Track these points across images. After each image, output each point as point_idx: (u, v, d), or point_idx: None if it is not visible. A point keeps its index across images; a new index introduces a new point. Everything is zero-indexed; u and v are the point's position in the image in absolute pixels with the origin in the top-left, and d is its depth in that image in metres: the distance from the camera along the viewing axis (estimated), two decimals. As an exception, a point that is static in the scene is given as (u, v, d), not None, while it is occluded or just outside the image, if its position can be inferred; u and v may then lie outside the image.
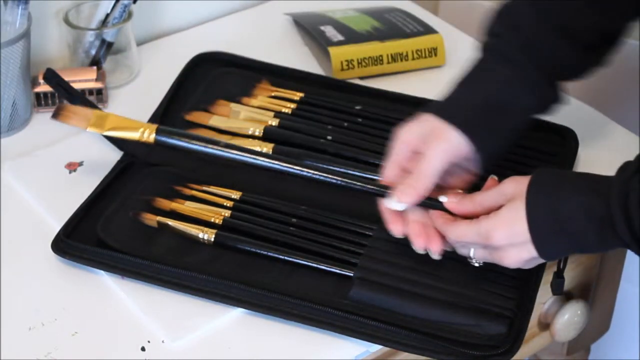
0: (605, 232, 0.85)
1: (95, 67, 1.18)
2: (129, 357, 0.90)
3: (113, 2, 1.18)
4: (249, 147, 1.08)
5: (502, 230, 0.88)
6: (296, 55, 1.27)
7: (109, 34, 1.19)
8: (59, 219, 1.00)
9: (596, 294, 1.17)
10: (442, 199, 0.93)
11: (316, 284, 0.95)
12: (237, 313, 0.93)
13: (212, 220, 1.00)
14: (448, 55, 1.26)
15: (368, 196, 1.00)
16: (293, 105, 1.14)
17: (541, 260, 0.90)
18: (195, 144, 0.98)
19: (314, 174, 0.96)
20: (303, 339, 0.91)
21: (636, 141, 1.14)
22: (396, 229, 0.95)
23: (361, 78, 1.23)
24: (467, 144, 0.93)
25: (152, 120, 1.12)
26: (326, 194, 1.03)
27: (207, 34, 1.31)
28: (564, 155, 1.09)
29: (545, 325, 1.13)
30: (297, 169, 0.96)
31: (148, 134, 0.98)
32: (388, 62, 1.24)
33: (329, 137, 1.09)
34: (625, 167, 0.87)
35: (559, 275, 0.95)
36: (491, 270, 0.95)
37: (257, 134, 1.10)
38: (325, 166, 1.00)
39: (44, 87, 1.15)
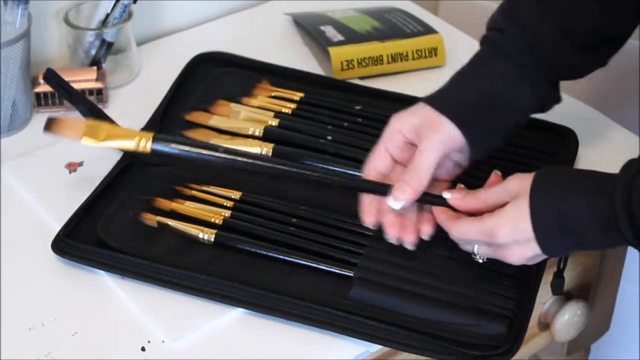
0: (609, 230, 0.85)
1: (95, 67, 1.18)
2: (129, 357, 0.90)
3: (113, 2, 1.18)
4: (248, 147, 1.08)
5: (506, 228, 0.88)
6: (296, 55, 1.27)
7: (109, 34, 1.19)
8: (59, 219, 1.00)
9: (596, 294, 1.17)
10: (446, 195, 0.93)
11: (316, 284, 0.95)
12: (237, 313, 0.93)
13: (212, 220, 1.00)
14: (448, 55, 1.26)
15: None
16: (293, 105, 1.14)
17: (544, 257, 0.90)
18: (194, 152, 0.95)
19: (314, 175, 0.95)
20: (303, 339, 0.91)
21: (636, 141, 1.14)
22: (369, 220, 0.95)
23: (361, 78, 1.23)
24: (460, 137, 0.94)
25: (152, 120, 1.12)
26: (326, 194, 1.03)
27: (207, 34, 1.31)
28: (564, 155, 1.09)
29: (545, 325, 1.13)
30: (297, 172, 0.96)
31: (144, 142, 0.96)
32: (388, 62, 1.24)
33: (329, 137, 1.09)
34: (628, 165, 0.87)
35: (559, 275, 0.95)
36: (491, 270, 0.95)
37: (257, 134, 1.10)
38: (324, 166, 1.00)
39: (44, 87, 1.15)
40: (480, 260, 0.93)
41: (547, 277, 0.96)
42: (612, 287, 1.21)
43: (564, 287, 0.96)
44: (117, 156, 1.08)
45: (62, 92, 1.11)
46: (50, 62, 1.21)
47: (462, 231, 0.91)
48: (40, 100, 1.16)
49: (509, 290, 0.94)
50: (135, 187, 1.03)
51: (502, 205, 0.89)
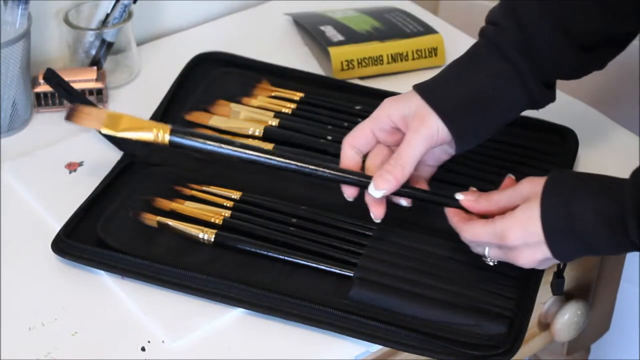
0: (617, 235, 0.85)
1: (95, 67, 1.18)
2: (129, 357, 0.90)
3: (113, 2, 1.18)
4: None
5: (517, 231, 0.88)
6: (296, 55, 1.27)
7: (109, 34, 1.19)
8: (59, 219, 1.00)
9: (596, 294, 1.17)
10: (459, 196, 0.93)
11: (316, 284, 0.95)
12: (237, 313, 0.93)
13: (212, 220, 1.00)
14: (448, 55, 1.26)
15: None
16: (293, 105, 1.14)
17: (555, 260, 0.90)
18: (210, 145, 0.96)
19: (329, 173, 0.95)
20: (303, 339, 0.91)
21: (636, 141, 1.14)
22: (349, 192, 0.96)
23: (361, 78, 1.23)
24: (447, 133, 0.94)
25: (152, 120, 1.12)
26: (326, 194, 1.03)
27: (207, 34, 1.31)
28: (564, 155, 1.09)
29: (545, 325, 1.13)
30: (311, 169, 0.96)
31: (162, 135, 0.96)
32: (388, 62, 1.24)
33: (329, 137, 1.09)
34: (638, 170, 0.87)
35: (559, 276, 0.95)
36: (491, 270, 0.95)
37: (257, 134, 1.10)
38: (335, 166, 0.99)
39: (44, 87, 1.15)
40: (491, 263, 0.94)
41: (547, 277, 0.96)
42: (612, 287, 1.21)
43: (564, 287, 0.96)
44: (117, 156, 1.08)
45: (62, 92, 1.11)
46: (50, 62, 1.21)
47: (474, 233, 0.91)
48: (40, 100, 1.16)
49: (509, 290, 0.94)
50: (135, 187, 1.03)
51: (514, 208, 0.89)
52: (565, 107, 1.01)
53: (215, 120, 1.12)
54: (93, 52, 1.20)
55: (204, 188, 1.04)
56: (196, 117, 1.12)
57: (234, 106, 1.14)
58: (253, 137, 1.10)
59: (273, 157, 0.96)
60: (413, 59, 1.25)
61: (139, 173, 1.06)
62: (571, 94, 1.16)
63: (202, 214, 1.00)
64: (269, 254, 0.97)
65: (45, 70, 1.11)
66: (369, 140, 0.97)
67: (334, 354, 0.91)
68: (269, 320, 0.92)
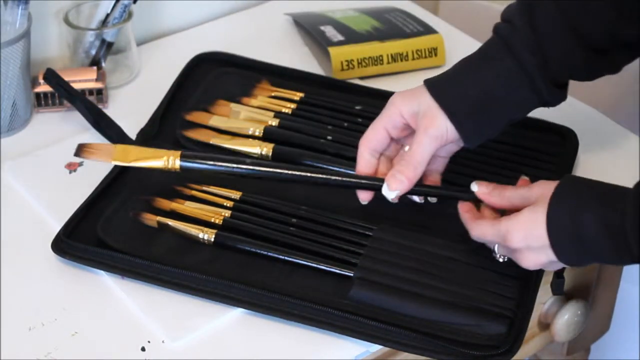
0: (619, 245, 0.85)
1: (95, 67, 1.18)
2: (129, 357, 0.89)
3: (113, 2, 1.18)
4: (248, 147, 1.08)
5: (519, 232, 0.88)
6: (296, 55, 1.27)
7: (109, 34, 1.19)
8: (59, 219, 1.00)
9: (596, 294, 1.17)
10: (473, 187, 0.94)
11: (316, 284, 0.95)
12: (237, 313, 0.93)
13: (212, 220, 1.00)
14: (448, 55, 1.26)
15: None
16: (293, 105, 1.14)
17: (561, 265, 0.90)
18: (222, 166, 0.98)
19: (342, 181, 0.98)
20: (303, 339, 0.91)
21: (636, 141, 1.14)
22: (364, 196, 0.97)
23: (361, 78, 1.23)
24: (455, 133, 0.95)
25: (152, 120, 1.12)
26: (326, 194, 1.03)
27: (207, 34, 1.31)
28: (564, 155, 1.09)
29: (545, 325, 1.13)
30: (324, 178, 0.98)
31: (172, 161, 0.98)
32: (388, 62, 1.24)
33: (329, 137, 1.09)
34: None
35: (559, 276, 0.95)
36: (491, 270, 0.95)
37: (257, 134, 1.10)
38: (349, 172, 1.00)
39: (44, 87, 1.15)
40: (501, 260, 0.94)
41: (547, 277, 0.96)
42: (612, 287, 1.21)
43: (564, 287, 0.96)
44: (117, 156, 1.08)
45: (62, 92, 1.11)
46: (50, 62, 1.21)
47: (480, 231, 0.92)
48: (40, 100, 1.16)
49: (509, 290, 0.94)
50: (135, 187, 1.03)
51: (524, 207, 0.90)
52: (565, 107, 1.01)
53: (215, 120, 1.12)
54: (93, 52, 1.20)
55: (204, 188, 1.04)
56: (196, 117, 1.12)
57: (234, 106, 1.14)
58: (253, 137, 1.10)
59: (285, 171, 0.97)
60: (413, 59, 1.25)
61: (139, 173, 1.05)
62: (571, 94, 1.15)
63: (202, 214, 1.00)
64: (269, 254, 0.97)
65: (45, 70, 1.11)
66: (383, 139, 0.97)
67: (334, 354, 0.91)
68: (269, 320, 0.92)
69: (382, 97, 1.16)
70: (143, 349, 0.90)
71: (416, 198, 0.98)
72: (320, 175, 0.98)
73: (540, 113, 1.02)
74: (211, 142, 1.09)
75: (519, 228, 0.88)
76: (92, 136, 1.11)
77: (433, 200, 0.99)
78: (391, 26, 1.27)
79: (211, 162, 0.98)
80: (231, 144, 1.09)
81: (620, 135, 1.15)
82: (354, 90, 1.19)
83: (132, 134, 1.10)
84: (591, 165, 1.10)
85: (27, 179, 1.07)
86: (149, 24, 1.30)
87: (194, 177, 1.05)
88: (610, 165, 1.10)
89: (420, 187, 0.96)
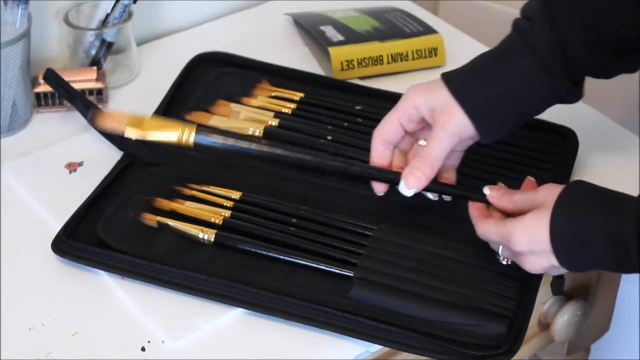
0: (621, 255, 0.85)
1: (95, 67, 1.18)
2: (129, 357, 0.90)
3: (113, 2, 1.18)
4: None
5: (522, 236, 0.88)
6: (296, 55, 1.27)
7: (109, 34, 1.19)
8: (59, 219, 1.00)
9: (596, 294, 1.17)
10: (485, 190, 0.94)
11: (316, 284, 0.95)
12: (237, 313, 0.93)
13: (212, 220, 1.00)
14: (448, 55, 1.26)
15: (368, 195, 1.01)
16: (293, 106, 1.14)
17: (564, 270, 0.90)
18: (236, 145, 0.97)
19: (361, 171, 0.97)
20: (303, 339, 0.91)
21: (636, 141, 1.14)
22: (379, 188, 0.98)
23: (361, 78, 1.23)
24: (472, 129, 0.94)
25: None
26: (326, 194, 1.03)
27: (207, 34, 1.31)
28: (564, 155, 1.09)
29: (545, 325, 1.13)
30: (339, 165, 0.97)
31: (187, 134, 0.97)
32: (388, 62, 1.24)
33: (329, 137, 1.09)
34: None
35: (559, 276, 0.95)
36: (491, 270, 0.95)
37: (257, 134, 1.10)
38: (363, 162, 1.00)
39: (44, 87, 1.15)
40: (504, 262, 0.94)
41: (547, 277, 0.96)
42: (612, 287, 1.21)
43: (564, 287, 0.96)
44: (117, 156, 1.08)
45: (62, 92, 1.11)
46: (50, 62, 1.21)
47: (485, 231, 0.92)
48: (40, 100, 1.16)
49: (509, 290, 0.94)
50: (135, 187, 1.03)
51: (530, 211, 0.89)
52: (565, 107, 1.01)
53: (215, 120, 1.12)
54: (93, 52, 1.20)
55: (204, 188, 1.04)
56: (196, 117, 1.12)
57: (234, 106, 1.14)
58: (253, 137, 1.10)
59: (303, 156, 0.96)
60: (413, 59, 1.25)
61: (139, 173, 1.06)
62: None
63: (202, 214, 1.00)
64: (269, 254, 0.97)
65: (45, 70, 1.11)
66: (397, 132, 0.97)
67: (334, 354, 0.91)
68: (269, 320, 0.92)
69: (382, 97, 1.16)
70: (143, 349, 0.90)
71: (430, 195, 0.98)
72: (339, 163, 0.97)
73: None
74: None
75: (523, 232, 0.88)
76: (92, 136, 1.11)
77: (447, 198, 0.99)
78: (391, 26, 1.27)
79: (226, 140, 0.96)
80: (231, 144, 1.09)
81: (620, 135, 1.15)
82: (354, 90, 1.19)
83: (132, 134, 1.10)
84: (591, 165, 1.10)
85: (27, 179, 1.07)
86: (149, 24, 1.30)
87: (194, 177, 1.05)
88: (610, 165, 1.10)
89: (435, 184, 0.96)
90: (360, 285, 0.94)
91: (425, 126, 0.97)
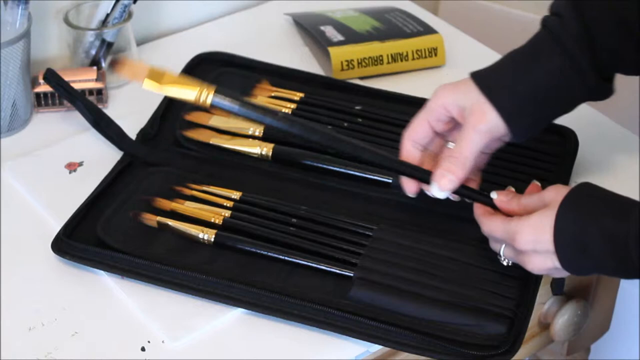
0: (623, 261, 0.85)
1: (95, 67, 1.18)
2: (129, 357, 0.90)
3: (113, 2, 1.18)
4: (248, 147, 1.08)
5: (527, 235, 0.88)
6: (296, 55, 1.27)
7: (109, 34, 1.19)
8: (59, 219, 1.00)
9: (596, 294, 1.17)
10: (493, 195, 0.93)
11: (316, 284, 0.95)
12: (237, 313, 0.93)
13: (212, 220, 1.00)
14: (448, 55, 1.26)
15: (368, 195, 1.01)
16: (293, 106, 1.14)
17: (566, 273, 0.89)
18: (252, 114, 0.93)
19: (366, 153, 0.94)
20: (303, 339, 0.91)
21: (636, 141, 1.14)
22: (411, 188, 0.96)
23: (361, 78, 1.23)
24: (504, 128, 0.93)
25: (152, 120, 1.12)
26: (326, 194, 1.03)
27: (207, 34, 1.31)
28: (564, 155, 1.09)
29: (545, 325, 1.13)
30: (349, 144, 0.94)
31: (206, 95, 0.93)
32: (388, 62, 1.24)
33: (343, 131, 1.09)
34: None
35: (559, 276, 0.95)
36: (491, 270, 0.95)
37: (257, 134, 1.10)
38: (372, 148, 0.98)
39: (44, 87, 1.15)
40: (505, 263, 0.93)
41: (547, 277, 0.96)
42: (612, 287, 1.21)
43: (564, 287, 0.96)
44: (117, 156, 1.08)
45: (62, 92, 1.11)
46: (50, 62, 1.21)
47: (490, 227, 0.92)
48: (40, 100, 1.16)
49: (509, 290, 0.94)
50: (135, 187, 1.03)
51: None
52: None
53: (215, 120, 1.12)
54: (93, 52, 1.20)
55: (204, 188, 1.04)
56: (196, 117, 1.12)
57: (241, 96, 1.13)
58: (253, 137, 1.10)
59: (311, 129, 0.94)
60: (413, 59, 1.25)
61: (139, 173, 1.06)
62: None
63: (202, 214, 1.00)
64: (269, 254, 0.97)
65: (45, 70, 1.11)
66: (427, 133, 0.96)
67: (334, 354, 0.91)
68: (269, 320, 0.92)
69: (382, 97, 1.17)
70: (143, 349, 0.90)
71: (452, 196, 0.95)
72: (369, 155, 0.94)
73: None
74: (211, 142, 1.09)
75: (528, 231, 0.88)
76: (92, 136, 1.11)
77: (468, 201, 0.97)
78: (391, 26, 1.27)
79: (243, 107, 0.93)
80: (231, 144, 1.09)
81: (620, 135, 1.15)
82: (354, 90, 1.19)
83: (132, 134, 1.10)
84: (591, 165, 1.10)
85: (27, 179, 1.07)
86: (149, 24, 1.30)
87: (194, 177, 1.05)
88: (610, 165, 1.10)
89: (462, 188, 0.94)
90: (360, 285, 0.94)
91: (454, 127, 0.96)
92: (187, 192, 1.03)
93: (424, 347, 0.90)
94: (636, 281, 1.43)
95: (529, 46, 0.95)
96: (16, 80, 1.12)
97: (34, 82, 1.16)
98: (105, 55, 1.20)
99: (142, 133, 1.11)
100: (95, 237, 0.98)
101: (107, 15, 1.19)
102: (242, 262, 0.96)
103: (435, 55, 1.25)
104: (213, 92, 0.93)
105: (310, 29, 1.27)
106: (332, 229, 0.99)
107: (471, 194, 0.95)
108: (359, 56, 1.23)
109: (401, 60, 1.24)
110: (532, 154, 1.08)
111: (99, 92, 1.16)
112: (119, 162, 1.07)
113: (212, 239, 0.98)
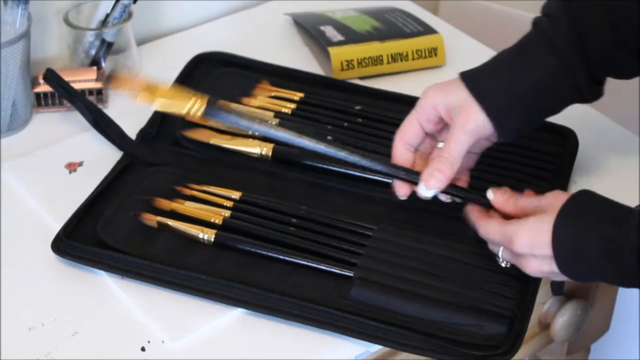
0: (620, 269, 0.84)
1: (95, 67, 1.18)
2: (129, 357, 0.89)
3: (113, 2, 1.18)
4: (248, 147, 1.08)
5: (524, 238, 0.88)
6: (296, 55, 1.27)
7: (109, 34, 1.19)
8: (59, 219, 1.00)
9: (596, 294, 1.17)
10: (489, 195, 0.93)
11: (316, 284, 0.95)
12: (237, 313, 0.93)
13: (212, 220, 1.00)
14: (448, 55, 1.26)
15: (368, 195, 1.01)
16: (293, 106, 1.14)
17: (564, 277, 0.89)
18: (244, 125, 0.95)
19: (380, 167, 0.95)
20: (303, 339, 0.91)
21: (636, 141, 1.14)
22: (402, 191, 0.95)
23: (361, 78, 1.23)
24: (491, 128, 0.93)
25: (152, 119, 1.12)
26: (326, 194, 1.03)
27: (207, 34, 1.31)
28: (564, 155, 1.09)
29: (545, 325, 1.13)
30: (339, 153, 0.95)
31: (198, 107, 0.95)
32: (388, 62, 1.24)
33: (329, 137, 1.09)
34: None
35: (559, 276, 0.95)
36: (491, 270, 0.95)
37: (257, 134, 1.10)
38: (366, 152, 0.98)
39: (44, 87, 1.15)
40: (503, 265, 0.93)
41: (547, 278, 0.96)
42: (612, 287, 1.21)
43: (564, 287, 0.96)
44: (117, 156, 1.08)
45: (62, 92, 1.11)
46: (50, 62, 1.21)
47: (487, 230, 0.91)
48: (40, 100, 1.16)
49: (509, 290, 0.94)
50: (135, 187, 1.03)
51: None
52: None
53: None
54: (93, 52, 1.20)
55: (204, 188, 1.04)
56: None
57: (234, 106, 1.14)
58: (253, 137, 1.10)
59: (297, 137, 0.94)
60: (413, 59, 1.25)
61: (139, 173, 1.06)
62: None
63: (202, 214, 1.00)
64: (269, 254, 0.97)
65: (45, 70, 1.11)
66: (418, 133, 0.96)
67: (334, 354, 0.91)
68: (269, 320, 0.92)
69: (382, 97, 1.16)
70: (143, 349, 0.90)
71: (442, 197, 0.95)
72: (358, 158, 0.95)
73: (540, 113, 1.02)
74: (211, 142, 1.09)
75: (525, 234, 0.88)
76: (92, 136, 1.11)
77: (458, 200, 0.96)
78: (391, 26, 1.27)
79: (234, 119, 0.95)
80: (231, 143, 1.09)
81: (620, 135, 1.15)
82: (354, 90, 1.19)
83: (132, 134, 1.10)
84: (591, 165, 1.10)
85: (27, 179, 1.07)
86: (149, 24, 1.30)
87: (194, 177, 1.05)
88: (610, 165, 1.10)
89: (450, 187, 0.94)
90: (360, 285, 0.94)
91: (444, 127, 0.96)
92: (187, 192, 1.03)
93: (424, 347, 0.90)
94: (636, 281, 1.43)
95: (519, 47, 0.95)
96: (16, 80, 1.12)
97: (34, 82, 1.16)
98: (105, 55, 1.20)
99: (142, 133, 1.11)
100: (95, 237, 0.98)
101: (107, 15, 1.19)
102: (242, 262, 0.96)
103: (435, 55, 1.25)
104: (205, 103, 0.95)
105: (310, 29, 1.27)
106: (332, 229, 0.99)
107: (461, 193, 0.95)
108: (359, 56, 1.23)
109: (401, 60, 1.24)
110: (532, 154, 1.08)
111: (99, 92, 1.16)
112: (119, 162, 1.07)
113: (212, 239, 0.98)
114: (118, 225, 0.99)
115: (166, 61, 1.25)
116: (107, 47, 1.20)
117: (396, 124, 0.97)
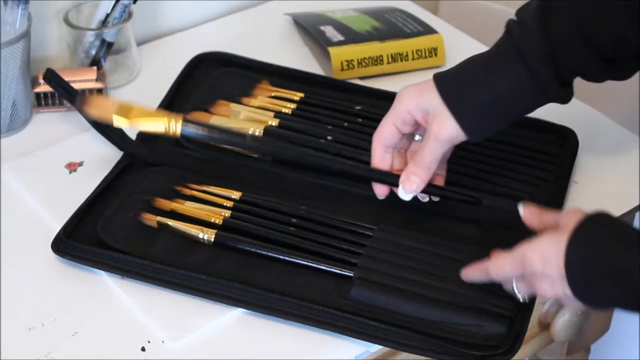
0: (629, 291, 0.83)
1: (95, 67, 1.18)
2: (129, 357, 0.90)
3: (113, 2, 1.18)
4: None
5: (535, 252, 0.86)
6: (296, 55, 1.27)
7: (109, 34, 1.19)
8: (59, 219, 1.00)
9: (596, 294, 1.17)
10: (520, 209, 0.93)
11: (316, 284, 0.95)
12: (237, 313, 0.93)
13: (212, 221, 1.00)
14: (448, 55, 1.26)
15: (368, 195, 1.01)
16: (293, 106, 1.14)
17: (578, 302, 0.87)
18: (222, 138, 1.00)
19: (336, 166, 1.01)
20: (303, 339, 0.91)
21: (636, 141, 1.14)
22: (381, 191, 1.01)
23: (361, 78, 1.23)
24: (463, 136, 0.96)
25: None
26: (326, 194, 1.03)
27: (207, 34, 1.31)
28: (564, 155, 1.09)
29: (545, 325, 1.13)
30: (318, 161, 1.01)
31: (174, 125, 0.99)
32: (388, 62, 1.24)
33: (329, 137, 1.09)
34: None
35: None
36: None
37: (257, 134, 1.10)
38: (348, 161, 1.02)
39: (44, 87, 1.15)
40: (522, 300, 0.91)
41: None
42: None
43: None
44: (117, 156, 1.08)
45: (62, 92, 1.11)
46: (50, 62, 1.21)
47: (497, 265, 0.90)
48: (40, 100, 1.16)
49: (509, 290, 0.94)
50: (135, 187, 1.03)
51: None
52: (565, 107, 1.01)
53: (215, 120, 1.11)
54: (93, 52, 1.20)
55: (204, 188, 1.04)
56: (196, 117, 1.12)
57: (234, 106, 1.14)
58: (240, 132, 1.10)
59: (281, 149, 0.99)
60: (413, 59, 1.25)
61: (139, 173, 1.06)
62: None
63: (202, 214, 1.00)
64: (269, 254, 0.97)
65: (45, 70, 1.11)
66: (394, 135, 0.99)
67: (334, 354, 0.91)
68: (269, 320, 0.92)
69: (382, 97, 1.16)
70: (143, 349, 0.90)
71: (420, 196, 1.00)
72: (340, 165, 1.01)
73: (540, 113, 1.02)
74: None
75: (536, 249, 0.86)
76: (92, 136, 1.11)
77: (435, 199, 1.00)
78: (391, 26, 1.27)
79: (212, 133, 1.00)
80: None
81: (620, 135, 1.15)
82: (354, 90, 1.19)
83: (132, 134, 1.10)
84: (591, 165, 1.10)
85: (27, 179, 1.07)
86: (149, 24, 1.30)
87: (194, 177, 1.05)
88: (610, 165, 1.10)
89: (430, 187, 0.99)
90: (360, 285, 0.94)
91: (420, 126, 0.99)
92: (187, 192, 1.03)
93: (424, 347, 0.90)
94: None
95: (491, 55, 0.97)
96: (16, 80, 1.12)
97: (34, 82, 1.16)
98: (105, 55, 1.20)
99: (142, 133, 1.11)
100: (95, 237, 0.98)
101: (107, 15, 1.19)
102: (242, 262, 0.96)
103: (435, 55, 1.25)
104: (181, 121, 0.98)
105: (310, 29, 1.28)
106: (332, 229, 1.00)
107: (440, 191, 0.99)
108: (359, 56, 1.23)
109: (401, 60, 1.24)
110: (532, 154, 1.08)
111: (99, 92, 1.16)
112: (119, 162, 1.07)
113: (212, 239, 0.98)
114: (118, 225, 0.99)
115: (166, 61, 1.25)
116: (107, 47, 1.20)
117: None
